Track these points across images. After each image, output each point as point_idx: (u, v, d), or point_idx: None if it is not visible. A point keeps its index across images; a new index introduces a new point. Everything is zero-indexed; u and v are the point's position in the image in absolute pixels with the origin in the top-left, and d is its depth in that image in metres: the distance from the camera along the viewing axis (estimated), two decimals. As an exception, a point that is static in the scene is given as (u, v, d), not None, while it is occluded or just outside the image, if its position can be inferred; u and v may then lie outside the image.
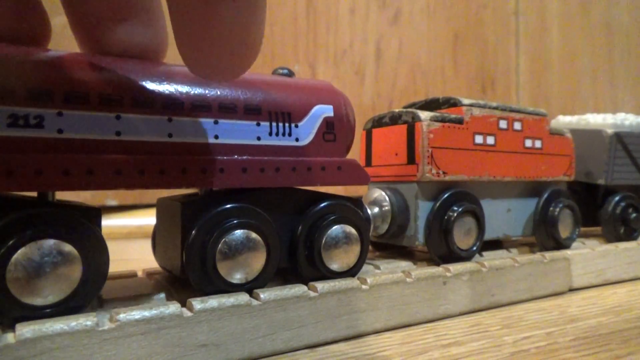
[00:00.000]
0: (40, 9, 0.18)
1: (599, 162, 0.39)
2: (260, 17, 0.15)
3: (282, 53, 0.69)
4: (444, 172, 0.29)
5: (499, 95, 0.86)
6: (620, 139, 0.39)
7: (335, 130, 0.23)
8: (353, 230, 0.24)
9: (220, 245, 0.20)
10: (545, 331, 0.24)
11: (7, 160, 0.16)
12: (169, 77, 0.20)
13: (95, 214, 0.19)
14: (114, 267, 0.19)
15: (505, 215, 0.33)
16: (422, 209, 0.28)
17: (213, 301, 0.19)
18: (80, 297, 0.17)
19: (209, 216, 0.20)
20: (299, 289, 0.21)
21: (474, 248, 0.29)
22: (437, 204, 0.28)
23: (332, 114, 0.23)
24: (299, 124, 0.22)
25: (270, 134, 0.22)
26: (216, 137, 0.20)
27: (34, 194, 0.18)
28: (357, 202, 0.25)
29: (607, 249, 0.35)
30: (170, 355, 0.18)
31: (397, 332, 0.24)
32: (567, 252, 0.32)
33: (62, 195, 0.20)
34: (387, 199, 0.29)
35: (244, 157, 0.21)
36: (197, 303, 0.19)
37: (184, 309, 0.19)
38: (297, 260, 0.23)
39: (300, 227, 0.23)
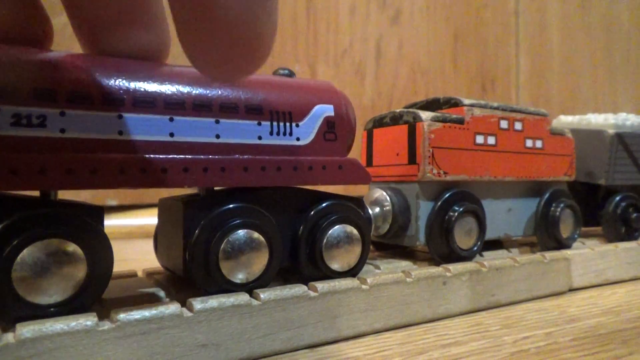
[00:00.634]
0: (42, 11, 0.18)
1: (600, 162, 0.39)
2: (269, 5, 0.13)
3: (282, 53, 0.69)
4: (445, 172, 0.29)
5: (499, 95, 0.86)
6: (622, 139, 0.39)
7: (336, 130, 0.23)
8: (354, 230, 0.24)
9: (223, 245, 0.20)
10: (545, 331, 0.24)
11: (11, 159, 0.16)
12: (171, 77, 0.20)
13: (98, 213, 0.19)
14: (114, 267, 0.19)
15: (506, 215, 0.33)
16: (423, 209, 0.28)
17: (213, 301, 0.19)
18: (85, 297, 0.17)
19: (213, 216, 0.20)
20: (299, 289, 0.21)
21: (475, 248, 0.29)
22: (438, 204, 0.28)
23: (332, 114, 0.23)
24: (300, 124, 0.22)
25: (272, 133, 0.22)
26: (217, 136, 0.20)
27: (37, 193, 0.18)
28: (359, 202, 0.25)
29: (607, 249, 0.35)
30: (170, 355, 0.18)
31: (397, 332, 0.24)
32: (567, 252, 0.32)
33: (63, 195, 0.20)
34: (388, 199, 0.29)
35: (245, 157, 0.21)
36: (197, 303, 0.19)
37: (184, 309, 0.19)
38: (298, 260, 0.23)
39: (302, 227, 0.23)
